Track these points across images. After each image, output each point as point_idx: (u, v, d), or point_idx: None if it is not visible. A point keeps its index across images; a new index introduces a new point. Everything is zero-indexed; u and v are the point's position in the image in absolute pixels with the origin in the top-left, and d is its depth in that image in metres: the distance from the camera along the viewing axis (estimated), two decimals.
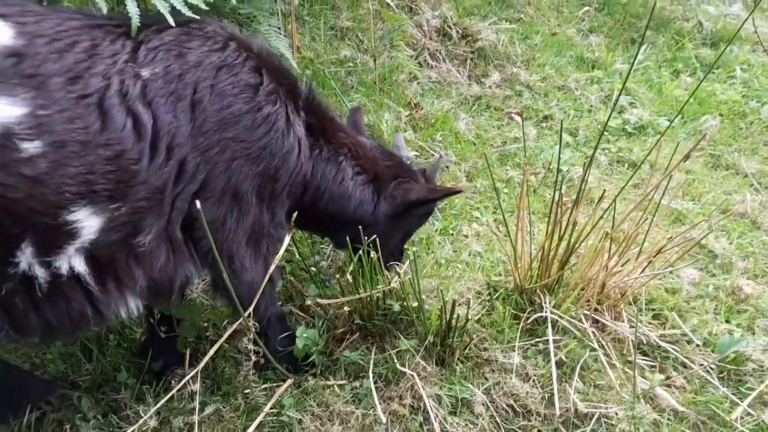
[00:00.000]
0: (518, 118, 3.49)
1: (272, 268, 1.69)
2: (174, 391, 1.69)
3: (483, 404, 1.81)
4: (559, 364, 1.92)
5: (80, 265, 1.30)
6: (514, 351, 1.95)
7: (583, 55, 4.18)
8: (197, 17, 1.57)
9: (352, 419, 1.77)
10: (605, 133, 3.47)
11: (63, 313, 1.34)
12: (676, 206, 2.82)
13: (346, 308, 1.95)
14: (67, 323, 1.36)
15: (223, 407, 1.81)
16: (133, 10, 1.44)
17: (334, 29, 3.55)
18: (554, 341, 1.92)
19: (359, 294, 1.90)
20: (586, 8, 4.69)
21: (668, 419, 1.80)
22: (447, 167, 3.07)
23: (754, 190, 3.04)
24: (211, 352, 1.65)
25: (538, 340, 2.00)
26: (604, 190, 1.92)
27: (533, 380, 1.89)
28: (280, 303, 2.08)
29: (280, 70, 1.67)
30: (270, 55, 1.67)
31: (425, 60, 3.72)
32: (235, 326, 1.68)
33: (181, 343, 1.89)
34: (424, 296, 1.98)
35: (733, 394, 1.87)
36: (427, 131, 3.21)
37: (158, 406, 1.63)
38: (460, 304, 1.93)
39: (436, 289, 2.18)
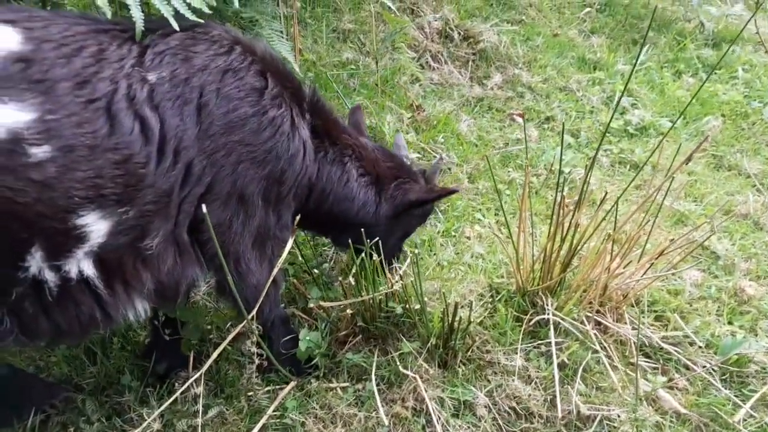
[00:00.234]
0: (520, 120, 3.49)
1: (276, 270, 1.70)
2: (177, 393, 1.70)
3: (485, 406, 1.82)
4: (562, 366, 1.92)
5: (89, 269, 1.31)
6: (517, 353, 1.95)
7: (584, 57, 4.18)
8: (201, 21, 1.58)
9: (355, 422, 1.78)
10: (607, 134, 3.47)
11: (72, 316, 1.35)
12: (678, 207, 2.81)
13: (348, 311, 1.96)
14: (77, 327, 1.37)
15: (227, 410, 1.82)
16: (137, 14, 1.45)
17: (336, 32, 3.56)
18: (556, 343, 1.92)
19: (362, 296, 1.90)
20: (588, 9, 4.68)
21: (671, 421, 1.80)
22: (449, 169, 3.08)
23: (757, 191, 3.04)
24: (215, 354, 1.66)
25: (540, 342, 2.00)
26: (606, 192, 1.92)
27: (535, 382, 1.89)
28: (283, 305, 2.08)
29: (284, 73, 1.68)
30: (273, 59, 1.68)
31: (427, 62, 3.72)
32: (238, 329, 1.69)
33: (184, 345, 1.90)
34: (426, 298, 1.98)
35: (736, 396, 1.87)
36: (428, 133, 3.22)
37: (162, 408, 1.63)
38: (462, 307, 1.94)
39: (438, 291, 2.19)
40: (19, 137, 1.14)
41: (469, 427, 1.78)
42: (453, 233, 2.65)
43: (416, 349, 1.94)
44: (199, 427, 1.69)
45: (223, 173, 1.48)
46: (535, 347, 2.00)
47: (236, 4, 1.87)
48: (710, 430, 1.79)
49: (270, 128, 1.55)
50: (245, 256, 1.63)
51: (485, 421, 1.79)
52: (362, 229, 1.83)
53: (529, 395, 1.84)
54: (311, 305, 2.07)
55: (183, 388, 1.67)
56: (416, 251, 2.25)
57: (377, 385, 1.84)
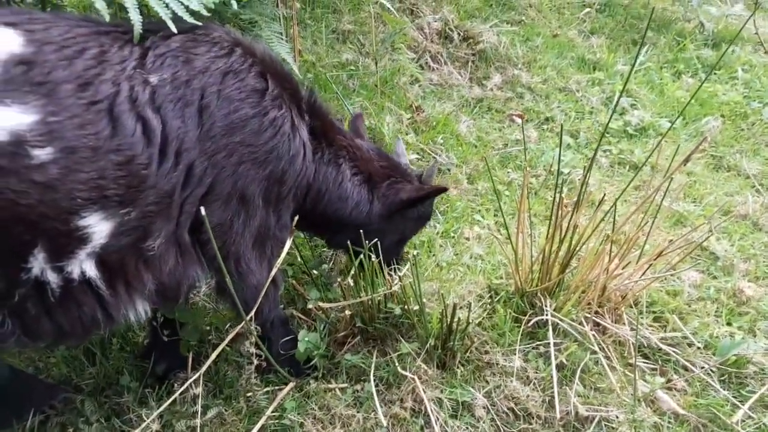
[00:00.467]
0: (519, 121, 3.49)
1: (275, 270, 1.71)
2: (176, 394, 1.70)
3: (484, 407, 1.82)
4: (560, 367, 1.92)
5: (91, 270, 1.32)
6: (515, 354, 1.95)
7: (584, 57, 4.18)
8: (199, 23, 1.58)
9: (354, 422, 1.78)
10: (606, 134, 3.47)
11: (74, 317, 1.36)
12: (677, 208, 2.82)
13: (347, 312, 1.96)
14: (79, 327, 1.38)
15: (226, 411, 1.82)
16: (135, 17, 1.45)
17: (335, 32, 3.56)
18: (555, 344, 1.92)
19: (361, 297, 1.91)
20: (588, 10, 4.68)
21: (669, 422, 1.80)
22: (448, 170, 3.08)
23: (756, 191, 3.04)
24: (214, 355, 1.66)
25: (538, 343, 2.01)
26: (605, 193, 1.92)
27: (534, 383, 1.89)
28: (282, 306, 2.09)
29: (283, 74, 1.69)
30: (273, 60, 1.69)
31: (426, 63, 3.73)
32: (237, 329, 1.69)
33: (183, 346, 1.91)
34: (425, 299, 1.98)
35: (734, 397, 1.88)
36: (428, 134, 3.22)
37: (161, 409, 1.63)
38: (461, 308, 1.94)
39: (437, 292, 2.19)
40: (21, 139, 1.15)
41: (467, 428, 1.78)
42: (452, 234, 2.65)
43: (415, 349, 1.94)
44: (198, 428, 1.69)
45: (224, 174, 1.49)
46: (533, 348, 2.00)
47: (235, 5, 1.87)
48: (708, 430, 1.80)
49: (271, 129, 1.56)
50: (245, 256, 1.64)
51: (484, 422, 1.79)
52: (358, 231, 1.84)
53: (528, 396, 1.84)
54: (310, 306, 2.08)
55: (182, 388, 1.67)
56: (415, 252, 2.26)
57: (376, 385, 1.85)
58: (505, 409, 1.83)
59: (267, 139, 1.55)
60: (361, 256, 1.85)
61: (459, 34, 3.86)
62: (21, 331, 1.31)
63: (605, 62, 4.15)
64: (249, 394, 1.86)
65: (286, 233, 1.75)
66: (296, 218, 1.77)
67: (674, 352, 2.02)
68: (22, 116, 1.16)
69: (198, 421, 1.69)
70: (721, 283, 2.37)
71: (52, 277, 1.27)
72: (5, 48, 1.20)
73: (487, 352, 1.98)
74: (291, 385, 1.89)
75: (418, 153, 3.09)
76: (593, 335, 2.00)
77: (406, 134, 3.15)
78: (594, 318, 2.07)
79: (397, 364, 1.89)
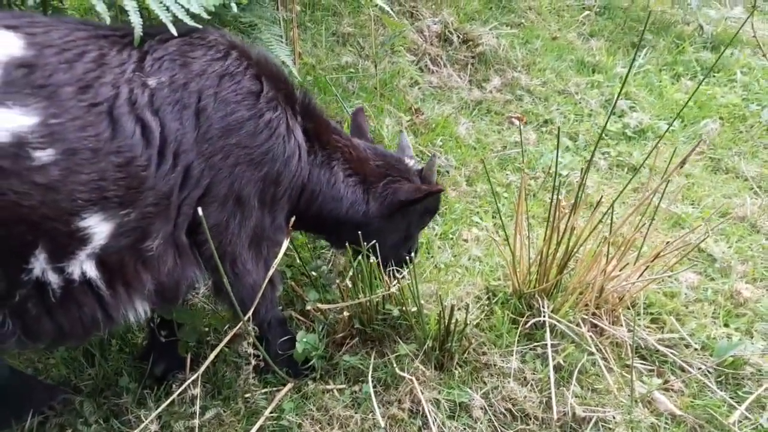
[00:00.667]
0: (518, 123, 3.50)
1: (272, 270, 1.72)
2: (175, 395, 1.71)
3: (481, 408, 1.83)
4: (557, 368, 1.93)
5: (91, 271, 1.33)
6: (513, 355, 1.96)
7: (583, 60, 4.20)
8: (199, 26, 1.59)
9: (352, 423, 1.79)
10: (605, 137, 3.48)
11: (75, 317, 1.37)
12: (675, 210, 2.82)
13: (345, 313, 1.97)
14: (79, 328, 1.39)
15: (224, 411, 1.83)
16: (135, 20, 1.47)
17: (335, 35, 3.58)
18: (552, 345, 1.93)
19: (359, 299, 1.92)
20: (587, 12, 4.70)
21: (666, 423, 1.80)
22: (447, 172, 3.09)
23: (754, 193, 3.05)
24: (212, 356, 1.67)
25: (536, 344, 2.01)
26: (602, 195, 1.93)
27: (531, 384, 1.90)
28: (280, 308, 2.10)
29: (278, 76, 1.71)
30: (268, 62, 1.70)
31: (426, 65, 3.74)
32: (235, 330, 1.70)
33: (182, 347, 1.91)
34: (423, 301, 1.99)
35: (731, 397, 1.88)
36: (427, 136, 3.23)
37: (159, 410, 1.64)
38: (458, 309, 1.95)
39: (435, 293, 2.20)
40: (23, 141, 1.16)
41: (464, 429, 1.79)
42: (450, 236, 2.66)
43: (413, 351, 1.95)
44: (197, 429, 1.70)
45: (220, 175, 1.50)
46: (531, 349, 2.01)
47: (235, 8, 1.88)
48: (705, 431, 1.80)
49: (266, 131, 1.57)
50: (242, 256, 1.65)
51: (481, 423, 1.80)
52: (359, 231, 1.84)
53: (525, 397, 1.85)
54: (309, 307, 2.08)
55: (180, 389, 1.68)
56: (413, 254, 2.26)
57: (374, 386, 1.86)
58: (503, 410, 1.84)
59: (262, 141, 1.56)
60: (360, 256, 1.86)
61: (458, 37, 3.88)
62: (21, 331, 1.32)
63: (604, 65, 4.16)
64: (247, 395, 1.87)
65: (282, 234, 1.76)
66: (292, 219, 1.78)
67: (671, 353, 2.02)
68: (24, 118, 1.17)
69: (196, 421, 1.70)
70: (718, 285, 2.38)
71: (53, 278, 1.28)
72: (6, 51, 1.22)
73: (484, 353, 1.98)
74: (289, 386, 1.90)
75: (417, 155, 3.10)
76: (590, 336, 2.01)
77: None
78: (591, 319, 2.07)
79: (395, 365, 1.90)
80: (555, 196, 1.91)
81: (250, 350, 1.75)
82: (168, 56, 1.46)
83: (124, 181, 1.31)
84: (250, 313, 1.66)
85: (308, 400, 1.87)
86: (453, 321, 1.83)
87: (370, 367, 1.90)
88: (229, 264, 1.63)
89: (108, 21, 1.55)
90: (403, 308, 1.95)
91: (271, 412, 1.80)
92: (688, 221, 2.78)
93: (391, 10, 3.37)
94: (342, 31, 3.60)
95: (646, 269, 2.06)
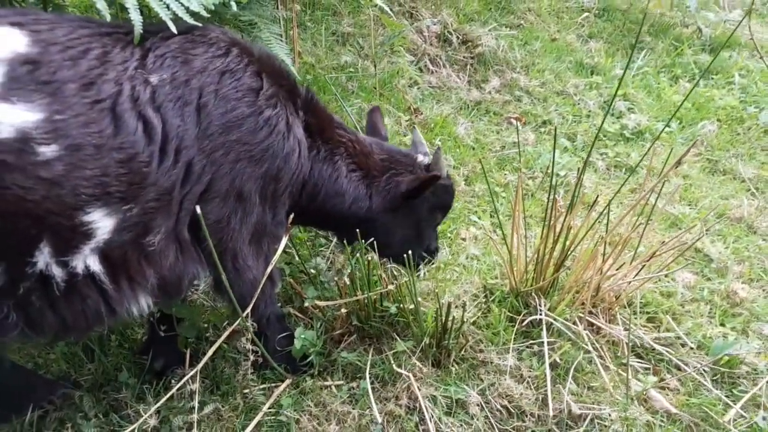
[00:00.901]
0: (517, 123, 3.52)
1: (271, 267, 1.73)
2: (174, 390, 1.72)
3: (478, 405, 1.84)
4: (554, 365, 1.94)
5: (95, 265, 1.35)
6: (509, 353, 1.97)
7: (582, 61, 4.21)
8: (199, 25, 1.61)
9: (349, 419, 1.80)
10: (603, 138, 3.50)
11: (78, 311, 1.39)
12: (672, 211, 2.84)
13: (343, 310, 1.98)
14: (82, 321, 1.41)
15: (222, 406, 1.84)
16: (136, 17, 1.48)
17: (335, 35, 3.59)
18: (549, 343, 1.94)
19: (357, 296, 1.93)
20: (586, 14, 4.72)
21: (661, 421, 1.82)
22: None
23: (751, 194, 3.07)
24: (210, 352, 1.69)
25: (532, 342, 2.03)
26: (597, 195, 1.95)
27: (528, 382, 1.91)
28: (279, 304, 2.11)
29: (279, 72, 1.72)
30: (269, 59, 1.72)
31: (425, 65, 3.76)
32: (234, 326, 1.71)
33: (181, 342, 1.93)
34: (420, 299, 2.00)
35: (727, 396, 1.90)
36: (426, 136, 3.24)
37: (158, 405, 1.65)
38: (456, 307, 1.96)
39: (432, 291, 2.21)
40: (27, 136, 1.18)
41: (461, 425, 1.80)
42: (449, 235, 2.67)
43: (410, 348, 1.96)
44: (195, 424, 1.71)
45: (221, 171, 1.52)
46: (527, 347, 2.02)
47: (234, 7, 1.89)
48: (701, 429, 1.81)
49: (266, 128, 1.59)
50: (242, 252, 1.66)
51: (477, 419, 1.81)
52: (365, 226, 1.84)
53: (521, 394, 1.86)
54: (307, 304, 2.10)
55: (179, 384, 1.70)
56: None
57: (371, 383, 1.87)
58: (499, 407, 1.85)
59: (262, 137, 1.58)
60: (358, 254, 1.87)
61: (458, 38, 3.89)
62: (25, 323, 1.34)
63: (603, 66, 4.18)
64: (246, 391, 1.88)
65: (282, 230, 1.77)
66: (291, 216, 1.79)
67: (667, 351, 2.03)
68: (28, 114, 1.19)
69: (195, 416, 1.71)
70: (714, 285, 2.39)
71: (57, 271, 1.30)
72: (12, 47, 1.24)
73: (481, 351, 2.00)
74: (287, 381, 1.91)
75: None
76: (587, 335, 2.02)
77: (404, 136, 3.18)
78: (588, 318, 2.09)
79: (392, 361, 1.91)
80: (552, 196, 1.92)
81: (249, 346, 1.76)
82: (170, 53, 1.47)
83: (127, 176, 1.33)
84: (249, 309, 1.67)
85: (306, 396, 1.88)
86: (450, 318, 1.84)
87: (368, 363, 1.91)
88: (230, 259, 1.64)
89: (108, 18, 1.57)
90: (401, 306, 1.97)
91: (269, 408, 1.82)
92: (685, 222, 2.79)
93: (391, 10, 3.39)
94: (342, 31, 3.61)
95: (642, 268, 2.07)
